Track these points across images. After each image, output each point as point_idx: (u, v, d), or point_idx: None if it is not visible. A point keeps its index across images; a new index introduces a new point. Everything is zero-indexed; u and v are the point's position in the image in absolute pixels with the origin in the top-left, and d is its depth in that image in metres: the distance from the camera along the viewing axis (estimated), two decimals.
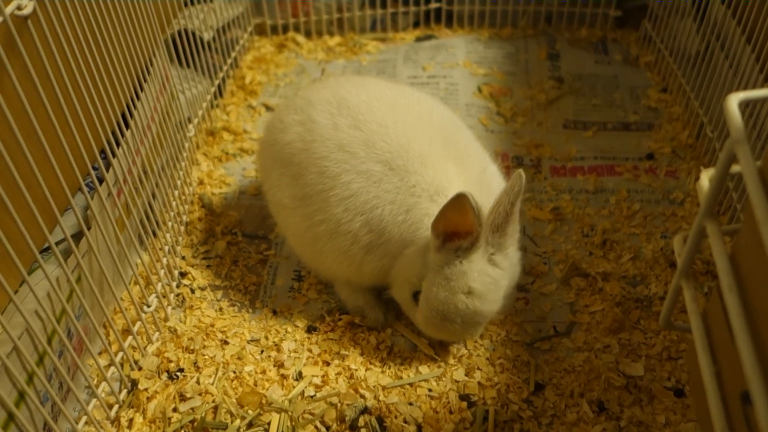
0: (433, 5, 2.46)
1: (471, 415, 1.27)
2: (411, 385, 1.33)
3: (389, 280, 1.38)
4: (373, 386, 1.31)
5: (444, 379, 1.34)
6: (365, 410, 1.27)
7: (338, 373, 1.35)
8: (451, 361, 1.38)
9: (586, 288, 1.52)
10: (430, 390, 1.32)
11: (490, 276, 1.23)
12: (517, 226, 1.26)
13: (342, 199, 1.33)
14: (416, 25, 2.53)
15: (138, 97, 1.42)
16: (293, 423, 1.26)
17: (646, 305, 1.47)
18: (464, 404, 1.29)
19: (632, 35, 2.39)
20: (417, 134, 1.35)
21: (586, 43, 2.35)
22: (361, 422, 1.25)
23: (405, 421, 1.26)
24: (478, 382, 1.33)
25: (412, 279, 1.30)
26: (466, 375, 1.35)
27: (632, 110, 2.06)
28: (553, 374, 1.34)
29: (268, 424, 1.26)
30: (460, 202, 1.14)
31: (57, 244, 1.07)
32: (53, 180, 1.03)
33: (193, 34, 1.91)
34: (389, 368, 1.36)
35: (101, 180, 1.24)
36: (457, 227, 1.19)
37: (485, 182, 1.37)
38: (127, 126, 1.36)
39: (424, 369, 1.36)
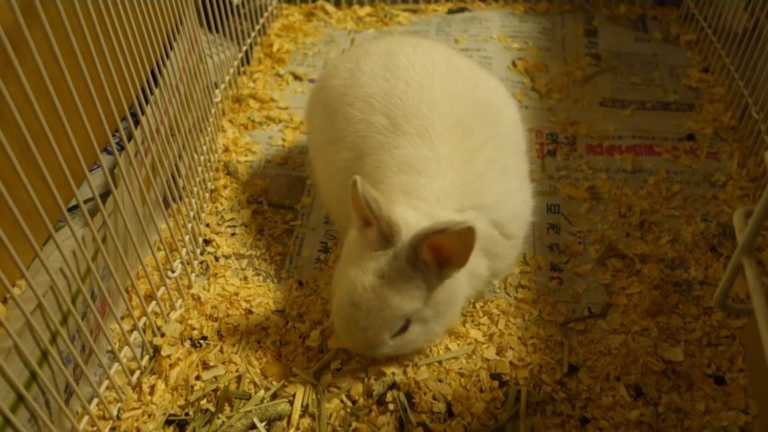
0: None
1: (502, 394, 1.23)
2: (440, 362, 1.28)
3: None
4: (401, 362, 1.27)
5: (474, 357, 1.30)
6: (393, 385, 1.23)
7: None
8: (482, 339, 1.33)
9: (622, 269, 1.47)
10: (460, 368, 1.27)
11: (402, 270, 1.10)
12: (446, 270, 1.13)
13: (352, 146, 1.31)
14: None
15: (167, 56, 1.37)
16: (319, 396, 1.22)
17: (685, 289, 1.41)
18: (495, 383, 1.25)
19: (673, 13, 2.31)
20: (433, 106, 1.27)
21: (624, 20, 2.28)
22: (389, 397, 1.22)
23: (434, 398, 1.22)
24: (510, 362, 1.29)
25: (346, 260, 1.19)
26: (498, 354, 1.30)
27: (672, 90, 1.98)
28: (588, 356, 1.29)
29: (293, 395, 1.23)
30: (352, 186, 1.05)
31: (83, 203, 1.04)
32: (83, 135, 0.99)
33: None
34: None
35: (130, 138, 1.20)
36: (365, 216, 1.10)
37: (475, 190, 1.22)
38: (156, 84, 1.31)
39: (453, 346, 1.32)
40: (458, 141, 1.25)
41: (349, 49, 1.55)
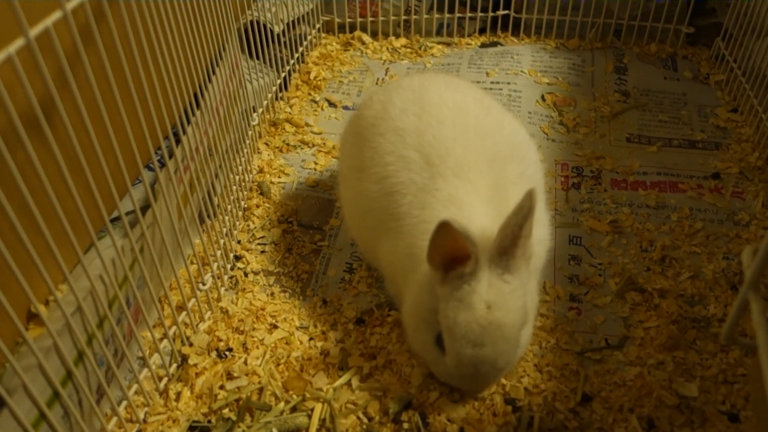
0: (501, 12, 2.46)
1: (515, 420, 1.25)
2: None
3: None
4: (418, 384, 1.31)
5: None
6: (409, 405, 1.27)
7: (384, 367, 1.35)
8: None
9: (641, 303, 1.49)
10: None
11: (503, 288, 1.13)
12: (527, 251, 1.16)
13: (380, 177, 1.34)
14: (482, 31, 2.53)
15: (210, 80, 1.45)
16: (334, 412, 1.26)
17: (703, 326, 1.43)
18: (509, 408, 1.27)
19: (704, 53, 2.34)
20: (467, 145, 1.30)
21: (655, 59, 2.32)
22: (404, 417, 1.25)
23: (448, 420, 1.25)
24: (525, 388, 1.31)
25: (425, 315, 1.20)
26: (513, 380, 1.33)
27: (699, 128, 2.01)
28: (603, 387, 1.32)
29: (312, 410, 1.27)
30: (445, 229, 1.07)
31: (120, 217, 1.10)
32: (128, 151, 1.06)
33: (264, 26, 1.95)
34: None
35: (171, 155, 1.27)
36: (455, 254, 1.11)
37: None
38: (198, 106, 1.39)
39: None
40: (494, 177, 1.28)
41: (386, 82, 1.60)
